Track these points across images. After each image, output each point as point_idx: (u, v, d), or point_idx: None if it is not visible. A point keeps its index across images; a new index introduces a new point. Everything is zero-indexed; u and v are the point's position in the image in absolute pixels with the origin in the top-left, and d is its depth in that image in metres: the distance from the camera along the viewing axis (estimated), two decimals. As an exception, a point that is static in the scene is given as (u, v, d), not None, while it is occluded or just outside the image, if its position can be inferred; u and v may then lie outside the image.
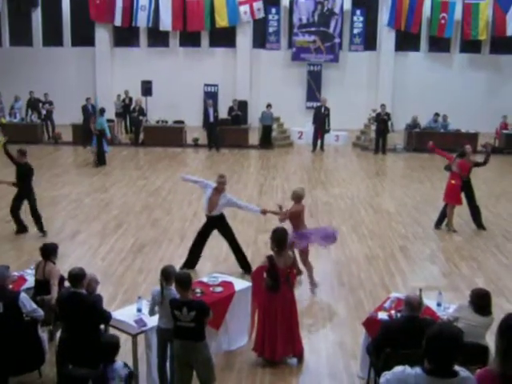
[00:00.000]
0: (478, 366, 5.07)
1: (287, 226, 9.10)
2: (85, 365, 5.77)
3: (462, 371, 3.64)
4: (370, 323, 6.96)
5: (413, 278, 10.31)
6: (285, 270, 7.24)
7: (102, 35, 27.85)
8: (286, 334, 7.27)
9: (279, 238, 7.32)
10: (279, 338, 7.21)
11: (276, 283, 7.16)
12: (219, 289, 7.68)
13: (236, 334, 7.79)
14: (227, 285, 7.85)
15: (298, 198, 9.66)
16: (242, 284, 8.00)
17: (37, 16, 28.23)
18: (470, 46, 27.92)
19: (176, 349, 6.14)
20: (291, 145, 24.03)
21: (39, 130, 23.66)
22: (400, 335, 5.73)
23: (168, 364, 6.54)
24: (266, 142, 23.10)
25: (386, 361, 5.60)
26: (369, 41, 27.87)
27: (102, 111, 19.74)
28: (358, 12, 27.43)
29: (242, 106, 25.36)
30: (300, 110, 27.44)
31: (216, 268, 10.09)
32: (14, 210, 12.07)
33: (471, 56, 28.06)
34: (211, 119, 22.53)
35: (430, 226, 13.35)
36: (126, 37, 28.55)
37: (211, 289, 7.65)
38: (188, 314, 5.92)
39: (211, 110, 22.59)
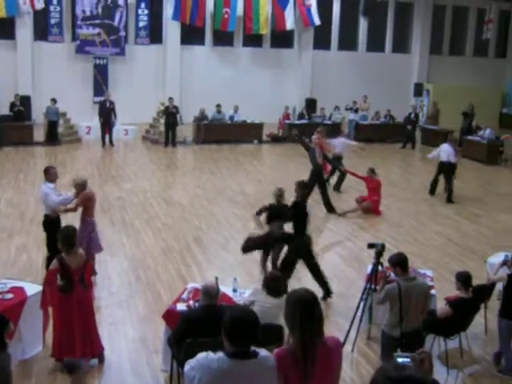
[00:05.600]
0: (275, 345, 5.31)
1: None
2: None
3: (262, 351, 3.79)
4: (170, 316, 7.01)
5: (209, 267, 10.58)
6: (78, 269, 6.98)
7: None
8: (84, 335, 7.06)
9: (67, 237, 7.02)
10: (77, 340, 6.98)
11: (69, 284, 6.89)
12: (9, 295, 7.25)
13: (31, 342, 7.41)
14: (18, 291, 7.43)
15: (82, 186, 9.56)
16: (34, 288, 7.61)
17: None
18: (253, 40, 29.00)
19: None
20: (79, 140, 23.30)
21: None
22: (200, 324, 5.83)
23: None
24: (52, 138, 22.14)
25: (187, 351, 5.66)
26: (154, 34, 27.73)
27: None
28: (143, 5, 27.17)
29: (25, 101, 24.03)
30: (88, 104, 26.49)
31: (5, 273, 9.51)
32: None
33: (254, 50, 29.18)
34: (-9, 115, 21.14)
35: (223, 215, 13.75)
36: None
37: (0, 296, 7.20)
38: None
39: (-10, 106, 21.19)
